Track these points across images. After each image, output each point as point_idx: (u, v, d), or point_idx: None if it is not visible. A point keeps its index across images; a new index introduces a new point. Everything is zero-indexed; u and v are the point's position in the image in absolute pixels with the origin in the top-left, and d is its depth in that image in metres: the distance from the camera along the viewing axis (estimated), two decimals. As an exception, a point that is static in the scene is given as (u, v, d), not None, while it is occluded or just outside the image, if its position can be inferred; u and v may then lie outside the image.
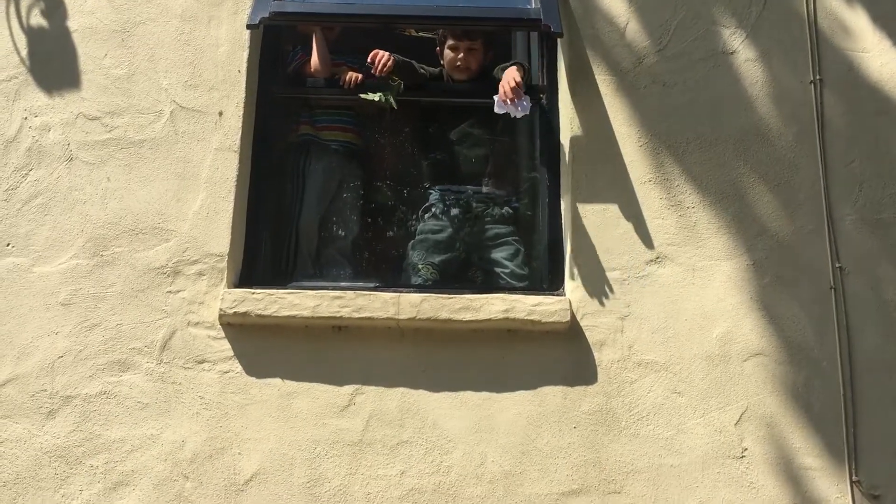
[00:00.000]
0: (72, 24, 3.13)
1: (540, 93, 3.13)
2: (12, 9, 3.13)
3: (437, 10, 3.07)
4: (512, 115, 2.95)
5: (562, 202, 3.01)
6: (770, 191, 2.95)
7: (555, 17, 2.95)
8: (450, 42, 3.25)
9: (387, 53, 3.06)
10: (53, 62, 3.08)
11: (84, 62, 3.08)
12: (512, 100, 2.91)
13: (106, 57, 3.08)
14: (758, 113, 3.03)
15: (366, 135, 3.38)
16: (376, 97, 3.03)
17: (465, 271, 3.17)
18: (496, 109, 2.96)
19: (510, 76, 2.97)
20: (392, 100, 3.05)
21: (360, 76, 3.18)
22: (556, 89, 3.11)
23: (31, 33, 3.12)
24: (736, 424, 2.70)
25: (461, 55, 3.22)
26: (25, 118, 3.02)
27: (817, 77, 3.04)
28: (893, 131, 3.01)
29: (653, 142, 2.98)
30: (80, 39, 3.11)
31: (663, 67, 3.06)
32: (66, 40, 3.11)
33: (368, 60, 3.05)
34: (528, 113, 2.96)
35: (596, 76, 3.04)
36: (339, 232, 3.27)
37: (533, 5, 3.05)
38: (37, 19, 3.14)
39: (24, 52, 3.10)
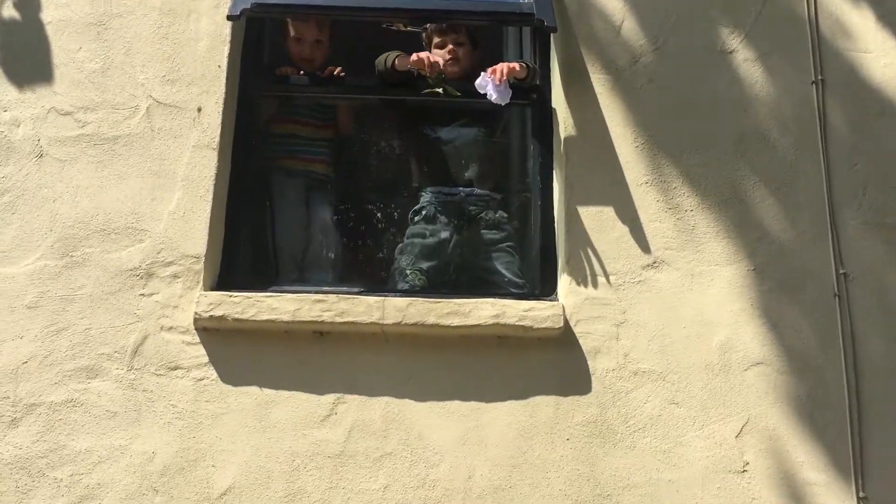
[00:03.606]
0: (45, 16, 3.03)
1: (532, 92, 3.03)
2: (-18, 0, 3.04)
3: (427, 3, 3.00)
4: (486, 94, 2.85)
5: (555, 205, 2.92)
6: (771, 194, 2.87)
7: (549, 12, 2.89)
8: (436, 40, 3.17)
9: (427, 54, 2.97)
10: (25, 55, 2.98)
11: (57, 55, 2.98)
12: (500, 80, 2.83)
13: (80, 50, 2.98)
14: (758, 114, 2.95)
15: (337, 161, 3.26)
16: (440, 90, 2.93)
17: (455, 277, 3.05)
18: (477, 81, 2.88)
19: (510, 63, 2.91)
20: (452, 90, 2.94)
21: (340, 69, 3.09)
22: (550, 88, 3.03)
23: (3, 25, 3.02)
24: (737, 437, 2.61)
25: (450, 48, 3.13)
26: (-6, 113, 2.91)
27: (819, 77, 2.97)
28: (897, 133, 2.95)
29: (649, 143, 2.90)
30: (54, 32, 3.01)
31: (660, 66, 2.98)
32: (40, 33, 3.00)
33: (412, 64, 2.93)
34: (501, 102, 2.85)
35: (591, 75, 2.97)
36: (322, 235, 3.15)
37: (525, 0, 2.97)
38: (9, 11, 3.04)
39: (-7, 45, 3.00)
